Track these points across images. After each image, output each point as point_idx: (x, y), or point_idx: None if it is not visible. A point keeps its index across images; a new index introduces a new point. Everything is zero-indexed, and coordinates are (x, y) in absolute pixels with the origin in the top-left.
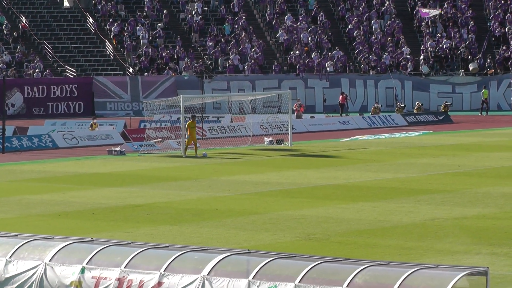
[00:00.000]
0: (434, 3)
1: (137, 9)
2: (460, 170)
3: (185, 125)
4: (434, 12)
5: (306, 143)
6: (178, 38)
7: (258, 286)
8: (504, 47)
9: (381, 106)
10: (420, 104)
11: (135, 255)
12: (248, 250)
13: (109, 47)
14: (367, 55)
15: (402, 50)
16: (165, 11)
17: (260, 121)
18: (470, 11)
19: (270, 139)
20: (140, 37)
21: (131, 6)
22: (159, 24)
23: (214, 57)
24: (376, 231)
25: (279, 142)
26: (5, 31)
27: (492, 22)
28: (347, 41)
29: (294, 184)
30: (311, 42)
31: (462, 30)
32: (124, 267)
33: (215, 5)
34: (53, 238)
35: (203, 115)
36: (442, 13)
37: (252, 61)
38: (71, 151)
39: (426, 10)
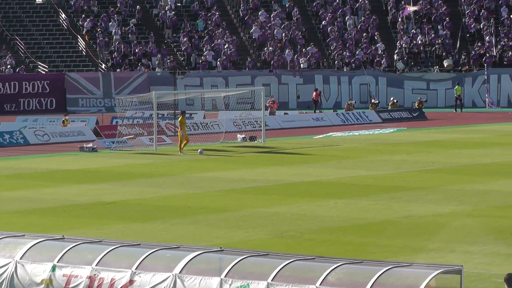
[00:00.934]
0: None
1: (109, 5)
2: (434, 167)
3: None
4: (414, 8)
5: (279, 140)
6: (151, 34)
7: (230, 285)
8: (479, 44)
9: (355, 102)
10: (395, 100)
11: (106, 253)
12: (221, 248)
13: (81, 43)
14: (341, 51)
15: (377, 47)
16: (138, 6)
17: (233, 118)
18: (445, 7)
19: (243, 135)
20: (112, 33)
21: (104, 2)
22: (132, 20)
23: (187, 53)
24: (350, 229)
25: (252, 139)
26: None
27: (467, 18)
28: (321, 37)
29: (267, 181)
30: (284, 38)
31: (437, 26)
32: (96, 265)
33: (188, 1)
34: (24, 235)
35: (176, 111)
36: (418, 9)
37: (225, 57)
38: (43, 148)
39: (411, 8)
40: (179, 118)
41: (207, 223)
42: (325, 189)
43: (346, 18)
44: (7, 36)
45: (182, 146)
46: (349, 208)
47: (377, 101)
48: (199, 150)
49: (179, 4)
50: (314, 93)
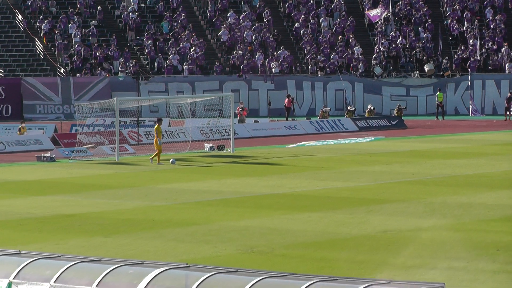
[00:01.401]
0: (383, 0)
1: (69, 6)
2: (414, 178)
3: (154, 130)
4: (383, 13)
5: (249, 149)
6: (113, 37)
7: None
8: (462, 47)
9: (330, 110)
10: (372, 107)
11: (65, 269)
12: (187, 264)
13: (39, 45)
14: (315, 55)
15: (353, 50)
16: (99, 7)
17: (200, 126)
18: (426, 8)
19: (210, 145)
20: (72, 35)
21: (63, 2)
22: (93, 22)
23: (151, 57)
24: (324, 244)
25: (221, 148)
26: None
27: (449, 20)
28: (294, 40)
29: (236, 193)
30: (255, 41)
31: (417, 28)
32: (54, 282)
33: (153, 1)
34: None
35: (139, 119)
36: (389, 14)
37: (192, 61)
38: None
39: (374, 12)
40: (155, 126)
41: (172, 237)
42: (298, 201)
43: (321, 19)
44: None
45: (154, 157)
46: (323, 222)
47: (354, 108)
48: (171, 160)
49: (142, 5)
50: (287, 100)
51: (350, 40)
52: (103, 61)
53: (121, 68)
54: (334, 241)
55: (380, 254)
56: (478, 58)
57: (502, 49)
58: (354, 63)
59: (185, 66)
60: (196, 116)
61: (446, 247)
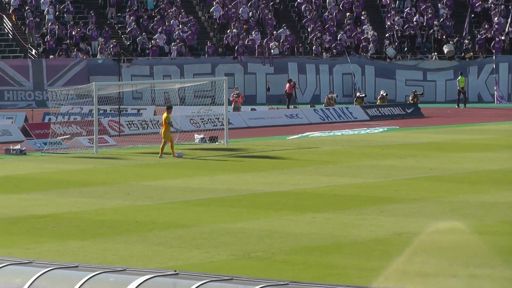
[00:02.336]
0: None
1: None
2: (432, 174)
3: (164, 119)
4: None
5: (245, 141)
6: (91, 14)
7: None
8: (486, 26)
9: (337, 96)
10: (384, 94)
11: (38, 277)
12: (175, 271)
13: (7, 24)
14: (319, 34)
15: (363, 29)
16: None
17: (189, 114)
18: None
19: (201, 136)
20: (45, 12)
21: None
22: None
23: (133, 36)
24: (331, 248)
25: (213, 139)
26: None
27: None
28: (296, 18)
29: (230, 191)
30: (251, 18)
31: (435, 4)
32: None
33: None
34: None
35: (121, 106)
36: None
37: (180, 41)
38: None
39: None
40: (164, 115)
41: (158, 241)
42: (301, 200)
43: None
44: None
45: (163, 150)
46: (329, 223)
47: (364, 95)
48: (177, 153)
49: None
50: (288, 85)
51: (360, 18)
52: (79, 41)
53: (100, 49)
54: (341, 245)
55: (394, 260)
56: (504, 38)
57: None
58: (364, 44)
59: (172, 47)
60: (185, 103)
61: (468, 252)
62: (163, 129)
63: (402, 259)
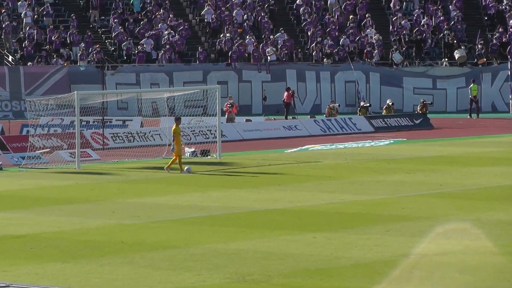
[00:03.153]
0: None
1: None
2: (442, 190)
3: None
4: None
5: (240, 154)
6: (72, 17)
7: None
8: (500, 29)
9: (339, 106)
10: (391, 103)
11: None
12: None
13: None
14: (320, 39)
15: (367, 33)
16: None
17: (179, 126)
18: None
19: (192, 149)
20: (22, 15)
21: None
22: None
23: (118, 41)
24: (333, 271)
25: (205, 153)
26: None
27: None
28: (295, 21)
29: (224, 209)
30: (246, 22)
31: (446, 6)
32: None
33: None
34: None
35: (105, 117)
36: None
37: (169, 47)
38: None
39: None
40: (173, 127)
41: (146, 263)
42: (300, 219)
43: None
44: None
45: (170, 164)
46: (331, 244)
47: (368, 104)
48: (185, 168)
49: None
50: (286, 94)
51: (365, 21)
52: (60, 47)
53: (81, 55)
54: (344, 267)
55: (401, 283)
56: None
57: None
58: (368, 49)
59: (160, 53)
60: (174, 114)
61: (482, 274)
62: (175, 142)
63: (410, 282)
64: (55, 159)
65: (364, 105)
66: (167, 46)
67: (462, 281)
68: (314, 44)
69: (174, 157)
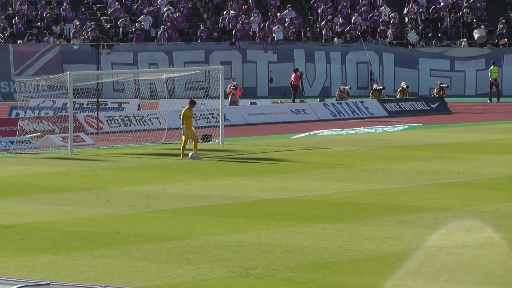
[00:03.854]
0: None
1: None
2: (460, 180)
3: (180, 114)
4: None
5: (244, 140)
6: None
7: None
8: None
9: (350, 88)
10: (405, 86)
11: None
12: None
13: None
14: (330, 17)
15: (380, 11)
16: None
17: (179, 109)
18: None
19: None
20: None
21: None
22: None
23: (115, 18)
24: (342, 265)
25: (206, 138)
26: None
27: None
28: None
29: (226, 198)
30: None
31: None
32: None
33: None
34: None
35: (99, 99)
36: None
37: (169, 24)
38: None
39: None
40: (184, 109)
41: (142, 255)
42: (308, 209)
43: None
44: None
45: (184, 148)
46: (341, 236)
47: (381, 87)
48: (190, 154)
49: None
50: (293, 75)
51: None
52: (52, 24)
53: (75, 33)
54: (355, 261)
55: (415, 278)
56: None
57: None
58: (382, 28)
59: (159, 31)
60: (174, 96)
61: (500, 269)
62: (185, 126)
63: (424, 277)
64: (46, 143)
65: (377, 87)
66: (166, 23)
67: (478, 275)
68: (324, 22)
69: (191, 140)
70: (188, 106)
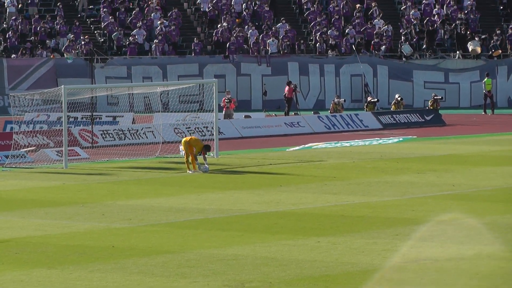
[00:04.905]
0: None
1: None
2: (454, 192)
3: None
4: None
5: (238, 153)
6: (59, 6)
7: None
8: None
9: (345, 101)
10: (400, 98)
11: None
12: None
13: None
14: (324, 29)
15: (374, 23)
16: None
17: (174, 123)
18: None
19: None
20: (5, 3)
21: None
22: None
23: (108, 32)
24: (338, 278)
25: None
26: None
27: None
28: (297, 10)
29: (221, 212)
30: (245, 11)
31: None
32: None
33: None
34: None
35: (94, 113)
36: None
37: (163, 37)
38: None
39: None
40: (199, 144)
41: (138, 269)
42: (303, 222)
43: None
44: None
45: (188, 162)
46: (337, 249)
47: (376, 99)
48: (202, 167)
49: None
50: (287, 88)
51: (372, 10)
52: (46, 38)
53: (68, 47)
54: (350, 274)
55: None
56: None
57: None
58: (375, 40)
59: (153, 45)
60: (168, 109)
61: (497, 281)
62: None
63: None
64: (41, 158)
65: (372, 100)
66: (160, 37)
67: (474, 287)
68: (317, 35)
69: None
70: (204, 148)
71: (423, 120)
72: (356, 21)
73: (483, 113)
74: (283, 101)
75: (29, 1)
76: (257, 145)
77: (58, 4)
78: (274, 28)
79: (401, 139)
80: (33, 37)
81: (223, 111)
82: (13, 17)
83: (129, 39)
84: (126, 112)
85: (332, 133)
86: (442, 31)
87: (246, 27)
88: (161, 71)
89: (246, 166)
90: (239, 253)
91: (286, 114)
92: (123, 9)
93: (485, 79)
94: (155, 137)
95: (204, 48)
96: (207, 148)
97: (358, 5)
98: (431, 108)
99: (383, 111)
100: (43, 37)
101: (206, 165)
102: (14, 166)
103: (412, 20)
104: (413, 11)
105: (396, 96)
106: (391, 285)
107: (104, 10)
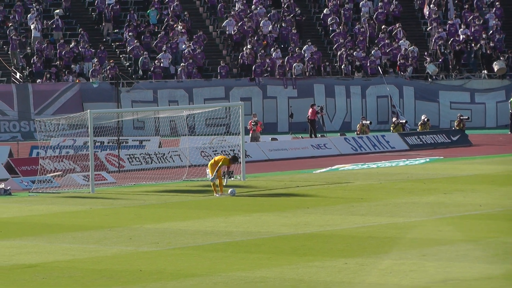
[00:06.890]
0: None
1: None
2: (482, 212)
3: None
4: None
5: (265, 176)
6: (81, 31)
7: None
8: None
9: (371, 123)
10: (426, 119)
11: None
12: None
13: None
14: (350, 51)
15: (399, 44)
16: None
17: (200, 146)
18: None
19: None
20: (31, 28)
21: None
22: (57, 11)
23: (134, 56)
24: None
25: (228, 175)
26: None
27: None
28: (322, 32)
29: (249, 234)
30: (271, 33)
31: (483, 14)
32: None
33: None
34: None
35: (120, 138)
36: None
37: (189, 61)
38: None
39: None
40: (224, 158)
41: None
42: (330, 244)
43: (361, 4)
44: None
45: (215, 185)
46: (364, 270)
47: (404, 120)
48: (229, 191)
49: None
50: (310, 110)
51: (397, 31)
52: (71, 63)
53: (94, 71)
54: None
55: None
56: None
57: None
58: (401, 61)
59: (179, 68)
60: (195, 133)
61: None
62: (218, 172)
63: None
64: (67, 182)
65: (399, 121)
66: (186, 60)
67: None
68: (343, 57)
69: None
70: (230, 159)
71: (450, 141)
72: (382, 42)
73: (509, 132)
74: (308, 123)
75: (54, 26)
76: (284, 168)
77: (82, 28)
78: (298, 51)
79: (427, 160)
80: (58, 62)
81: (250, 134)
82: (38, 42)
83: (154, 63)
84: (152, 136)
85: (358, 155)
86: (468, 51)
87: (271, 49)
88: (187, 95)
89: (273, 189)
90: (267, 276)
91: (311, 136)
92: (148, 33)
93: (511, 99)
94: (182, 161)
95: (230, 71)
96: (234, 159)
97: (383, 26)
98: (457, 128)
99: (410, 132)
100: (68, 62)
101: (233, 189)
102: (40, 191)
103: (438, 40)
104: (438, 31)
105: (423, 117)
106: None
107: (129, 34)
